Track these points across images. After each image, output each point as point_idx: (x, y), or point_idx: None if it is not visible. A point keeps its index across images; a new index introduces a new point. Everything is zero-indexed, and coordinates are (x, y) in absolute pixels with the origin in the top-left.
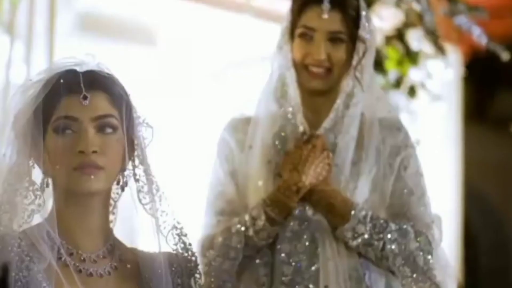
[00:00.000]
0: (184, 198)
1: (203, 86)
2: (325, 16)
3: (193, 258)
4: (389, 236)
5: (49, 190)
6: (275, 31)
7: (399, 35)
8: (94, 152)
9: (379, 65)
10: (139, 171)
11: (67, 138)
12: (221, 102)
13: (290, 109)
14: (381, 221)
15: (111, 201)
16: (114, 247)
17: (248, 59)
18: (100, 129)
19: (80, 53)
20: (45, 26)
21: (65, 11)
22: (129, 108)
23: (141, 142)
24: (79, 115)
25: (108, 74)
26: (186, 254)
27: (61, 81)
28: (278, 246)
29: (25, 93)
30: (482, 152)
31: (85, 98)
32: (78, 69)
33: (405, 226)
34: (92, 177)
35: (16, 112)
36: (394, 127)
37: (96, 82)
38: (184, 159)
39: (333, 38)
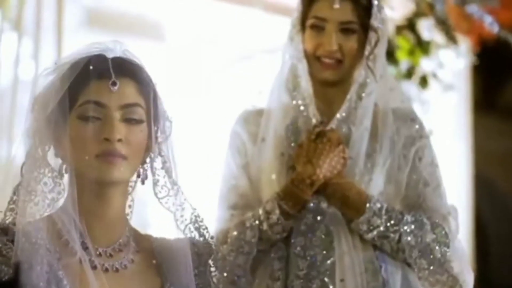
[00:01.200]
0: (196, 193)
1: (213, 80)
2: (337, 6)
3: (214, 251)
4: (405, 228)
5: (65, 178)
6: (285, 25)
7: (410, 25)
8: (119, 140)
9: (390, 55)
10: (157, 164)
11: (92, 124)
12: (231, 97)
13: (302, 101)
14: (397, 213)
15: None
16: (129, 239)
17: (258, 52)
18: (126, 119)
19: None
20: (52, 22)
21: (73, 6)
22: (156, 97)
23: (161, 136)
24: (107, 101)
25: (135, 61)
26: (206, 246)
27: (91, 67)
28: (293, 240)
29: (48, 77)
30: (492, 142)
31: (114, 84)
32: (105, 54)
33: (421, 218)
34: (116, 166)
35: (37, 95)
36: (408, 118)
37: (125, 68)
38: (193, 153)
39: (345, 29)
